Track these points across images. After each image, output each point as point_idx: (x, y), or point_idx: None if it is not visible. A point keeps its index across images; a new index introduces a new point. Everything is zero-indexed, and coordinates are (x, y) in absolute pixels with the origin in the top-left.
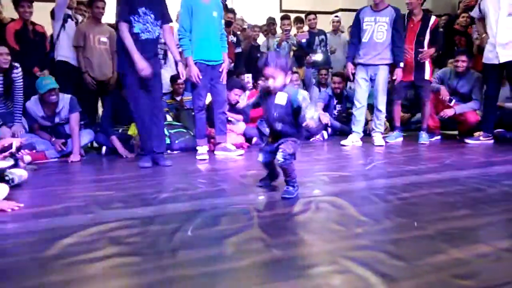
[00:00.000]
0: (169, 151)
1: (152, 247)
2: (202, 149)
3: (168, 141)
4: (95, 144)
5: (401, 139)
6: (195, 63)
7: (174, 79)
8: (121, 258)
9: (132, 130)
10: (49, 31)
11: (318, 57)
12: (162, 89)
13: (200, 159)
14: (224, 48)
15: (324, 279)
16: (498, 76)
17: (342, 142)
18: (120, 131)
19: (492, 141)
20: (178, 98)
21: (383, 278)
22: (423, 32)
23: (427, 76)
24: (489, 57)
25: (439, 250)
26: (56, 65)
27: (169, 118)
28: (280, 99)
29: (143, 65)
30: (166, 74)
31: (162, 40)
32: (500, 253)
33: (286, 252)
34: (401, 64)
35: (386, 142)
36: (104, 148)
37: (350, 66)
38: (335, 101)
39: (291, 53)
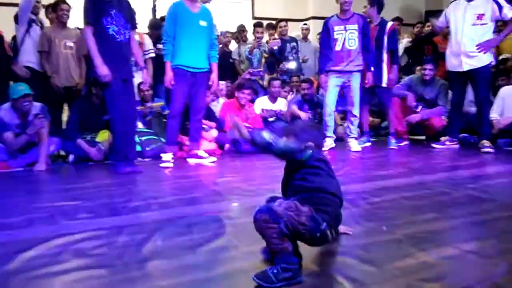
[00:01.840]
0: (139, 159)
1: (120, 259)
2: (167, 156)
3: (139, 148)
4: (62, 152)
5: (369, 143)
6: (175, 68)
7: (139, 86)
8: (87, 271)
9: (101, 137)
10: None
11: (291, 65)
12: (134, 95)
13: (164, 167)
14: (214, 58)
15: (298, 285)
16: (462, 82)
17: None
18: (88, 138)
19: (457, 145)
20: (149, 104)
21: (353, 284)
22: (381, 37)
23: (384, 82)
24: (453, 64)
25: (408, 254)
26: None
27: (140, 125)
28: None
29: (105, 71)
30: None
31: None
32: (466, 255)
33: (258, 259)
34: (372, 69)
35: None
36: (71, 156)
37: (323, 79)
38: (307, 107)
39: (263, 60)
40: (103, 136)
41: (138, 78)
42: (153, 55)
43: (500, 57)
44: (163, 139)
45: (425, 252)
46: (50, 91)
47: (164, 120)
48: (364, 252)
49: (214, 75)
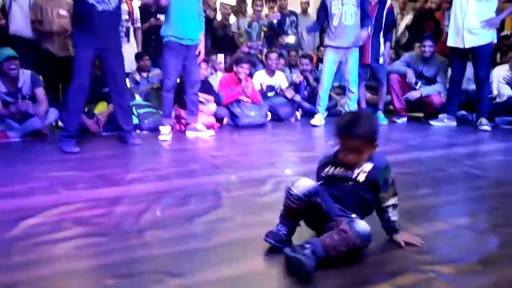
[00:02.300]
0: (138, 131)
1: (118, 228)
2: (165, 129)
3: (136, 121)
4: (60, 124)
5: None
6: (168, 41)
7: (140, 55)
8: (86, 238)
9: (99, 109)
10: None
11: (290, 39)
12: (123, 66)
13: (162, 140)
14: (201, 29)
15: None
16: (463, 59)
17: (312, 121)
18: (86, 110)
19: (455, 123)
20: (145, 75)
21: (348, 255)
22: (380, 15)
23: (381, 60)
24: (455, 40)
25: (402, 228)
26: (12, 40)
27: (137, 97)
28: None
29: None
30: (129, 52)
31: (125, 17)
32: (458, 230)
33: (254, 231)
34: (368, 29)
35: None
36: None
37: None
38: (305, 83)
39: (262, 33)
40: (102, 108)
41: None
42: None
43: (502, 34)
44: (161, 112)
45: (419, 226)
46: (44, 60)
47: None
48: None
49: (202, 46)
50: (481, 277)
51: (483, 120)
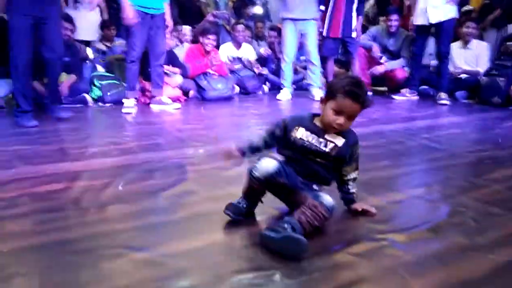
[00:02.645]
0: (100, 104)
1: (78, 203)
2: (129, 102)
3: (99, 92)
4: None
5: None
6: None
7: (105, 23)
8: (45, 214)
9: (59, 79)
10: None
11: (257, 10)
12: (59, 35)
13: (125, 112)
14: None
15: (254, 228)
16: (425, 35)
17: (278, 96)
18: (45, 81)
19: (417, 97)
20: (108, 44)
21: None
22: None
23: (353, 34)
24: (420, 19)
25: (361, 198)
26: None
27: (99, 68)
28: (337, 141)
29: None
30: (92, 20)
31: None
32: (412, 200)
33: (218, 204)
34: (321, 7)
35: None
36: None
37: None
38: (273, 55)
39: (230, 3)
40: (61, 78)
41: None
42: None
43: (464, 9)
44: (124, 84)
45: (376, 196)
46: None
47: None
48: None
49: (168, 16)
50: (431, 244)
51: (442, 95)
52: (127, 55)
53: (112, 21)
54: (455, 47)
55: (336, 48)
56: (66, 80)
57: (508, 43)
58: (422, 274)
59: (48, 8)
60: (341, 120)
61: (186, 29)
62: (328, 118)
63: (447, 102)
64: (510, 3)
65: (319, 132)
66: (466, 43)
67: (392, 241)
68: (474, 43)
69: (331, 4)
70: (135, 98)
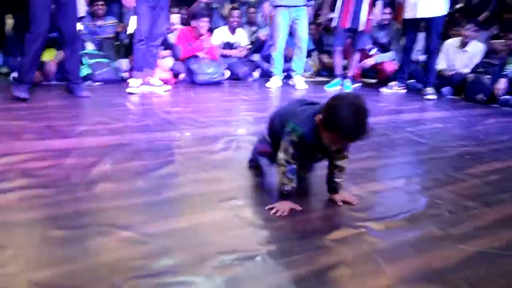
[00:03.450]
0: (89, 82)
1: (66, 180)
2: (135, 82)
3: (88, 70)
4: (4, 70)
5: (339, 87)
6: None
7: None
8: (33, 190)
9: (47, 55)
10: None
11: None
12: (76, 11)
13: (129, 92)
14: None
15: (238, 211)
16: (416, 29)
17: (267, 84)
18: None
19: (405, 90)
20: (99, 22)
21: (294, 212)
22: None
23: (361, 26)
24: (411, 12)
25: (343, 188)
26: None
27: (89, 46)
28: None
29: None
30: None
31: None
32: (392, 191)
33: (204, 186)
34: (312, 2)
35: (324, 89)
36: (14, 73)
37: (267, 8)
38: (269, 42)
39: None
40: (50, 55)
41: None
42: None
43: (457, 6)
44: (114, 64)
45: (358, 186)
46: None
47: (116, 42)
48: (301, 185)
49: None
50: (406, 232)
51: (429, 90)
52: (134, 35)
53: None
54: (453, 46)
55: (343, 39)
56: (54, 56)
57: (494, 41)
58: (396, 261)
59: None
60: (338, 145)
61: (174, 17)
62: (325, 141)
63: (434, 97)
64: (496, 5)
65: (319, 148)
66: (464, 44)
67: (370, 229)
68: (472, 44)
69: None
70: (142, 79)
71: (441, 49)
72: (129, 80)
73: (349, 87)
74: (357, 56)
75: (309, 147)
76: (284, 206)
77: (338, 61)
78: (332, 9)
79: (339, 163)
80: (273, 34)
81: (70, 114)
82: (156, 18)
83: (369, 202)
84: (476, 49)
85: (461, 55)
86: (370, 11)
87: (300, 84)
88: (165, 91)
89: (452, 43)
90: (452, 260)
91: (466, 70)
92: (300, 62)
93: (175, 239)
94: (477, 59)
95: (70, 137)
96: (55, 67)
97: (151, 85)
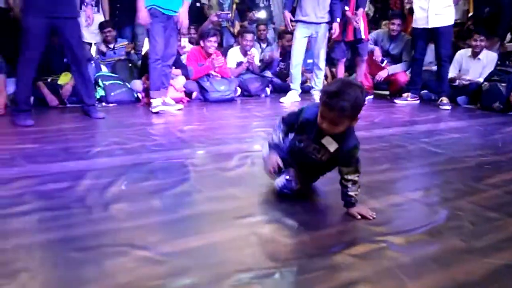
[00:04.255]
0: (104, 104)
1: (82, 201)
2: (156, 101)
3: (103, 93)
4: None
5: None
6: (151, 8)
7: (102, 26)
8: (49, 212)
9: (63, 79)
10: None
11: (261, 14)
12: (80, 35)
13: (155, 112)
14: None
15: (255, 228)
16: (426, 40)
17: (281, 99)
18: (49, 80)
19: (418, 101)
20: (111, 46)
21: (307, 226)
22: None
23: (362, 35)
24: (420, 21)
25: (360, 201)
26: None
27: (104, 68)
28: (330, 145)
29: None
30: (99, 21)
31: None
32: (411, 203)
33: (220, 204)
34: (338, 20)
35: None
36: (31, 98)
37: (288, 15)
38: (279, 58)
39: (234, 6)
40: (65, 79)
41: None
42: None
43: (470, 14)
44: (128, 85)
45: (376, 199)
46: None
47: (130, 64)
48: (321, 198)
49: (183, 13)
50: (427, 246)
51: (444, 99)
52: (150, 55)
53: (112, 22)
54: (465, 56)
55: (347, 51)
56: (69, 80)
57: (507, 43)
58: (419, 276)
59: (65, 9)
60: (324, 124)
61: (184, 40)
62: (318, 120)
63: (449, 107)
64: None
65: (318, 135)
66: (475, 54)
67: (390, 243)
68: (484, 53)
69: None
70: (163, 97)
71: (452, 58)
72: (151, 101)
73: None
74: (363, 65)
75: (306, 126)
76: (365, 210)
77: (341, 72)
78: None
79: (350, 177)
80: (292, 49)
81: (85, 136)
82: (168, 39)
83: (388, 215)
84: (489, 57)
85: (474, 65)
86: (364, 21)
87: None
88: (178, 110)
89: (464, 53)
90: (477, 274)
91: (480, 80)
92: (318, 79)
93: (192, 258)
94: (489, 68)
95: (85, 158)
96: (70, 90)
97: (165, 105)
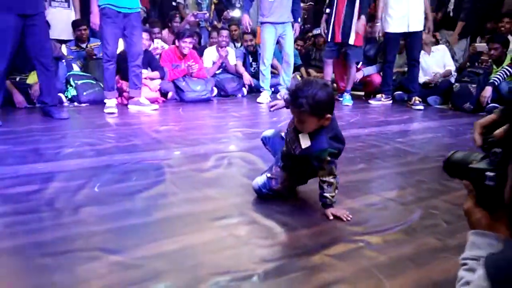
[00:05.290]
0: (76, 103)
1: (51, 205)
2: (111, 102)
3: (75, 92)
4: None
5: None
6: (104, 8)
7: (76, 24)
8: (17, 216)
9: (32, 79)
10: None
11: (235, 13)
12: (47, 33)
13: (108, 113)
14: None
15: (232, 230)
16: (398, 43)
17: (258, 99)
18: (17, 79)
19: (391, 101)
20: (84, 45)
21: (285, 227)
22: None
23: (351, 40)
24: (399, 26)
25: (337, 201)
26: None
27: (75, 67)
28: (303, 141)
29: None
30: (69, 18)
31: None
32: (386, 202)
33: (196, 206)
34: (299, 20)
35: None
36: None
37: (246, 18)
38: (251, 59)
39: (212, 6)
40: (35, 78)
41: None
42: None
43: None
44: (101, 84)
45: (352, 199)
46: None
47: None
48: (293, 199)
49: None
50: (404, 245)
51: (417, 100)
52: (102, 56)
53: (85, 21)
54: (423, 56)
55: (336, 52)
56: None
57: (475, 44)
58: (396, 275)
59: (33, 6)
60: (295, 122)
61: (158, 42)
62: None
63: (422, 107)
64: (469, 15)
65: (297, 131)
66: (428, 51)
67: (367, 243)
68: (435, 48)
69: (334, 8)
70: (116, 98)
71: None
72: (105, 101)
73: (350, 100)
74: (354, 69)
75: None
76: (340, 211)
77: (329, 72)
78: (319, 24)
79: (325, 178)
80: (261, 50)
81: (56, 137)
82: (130, 37)
83: (365, 215)
84: (442, 49)
85: (433, 59)
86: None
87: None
88: (153, 110)
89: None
90: (452, 272)
91: (448, 68)
92: (286, 76)
93: (167, 262)
94: (449, 58)
95: (55, 160)
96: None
97: (139, 105)
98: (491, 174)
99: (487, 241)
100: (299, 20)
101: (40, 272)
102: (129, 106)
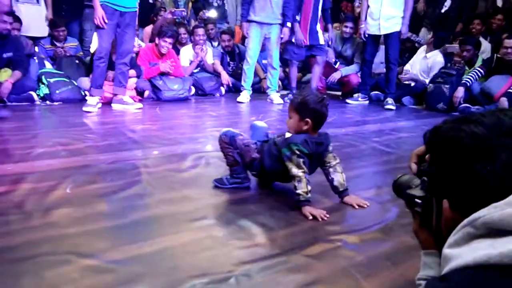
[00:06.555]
0: (48, 102)
1: (21, 207)
2: (92, 100)
3: (47, 90)
4: None
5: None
6: (102, 4)
7: (55, 25)
8: None
9: (3, 76)
10: None
11: (212, 13)
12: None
13: (86, 111)
14: None
15: (210, 231)
16: (376, 44)
17: (238, 99)
18: None
19: (368, 101)
20: (59, 44)
21: (263, 228)
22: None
23: (321, 40)
24: (371, 28)
25: (314, 201)
26: None
27: (48, 65)
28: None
29: None
30: (39, 15)
31: None
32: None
33: (173, 207)
34: (288, 24)
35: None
36: None
37: (246, 26)
38: (228, 58)
39: (190, 4)
40: (5, 75)
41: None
42: None
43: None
44: (75, 82)
45: (329, 198)
46: None
47: (77, 61)
48: (271, 199)
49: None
50: (381, 244)
51: (389, 100)
52: (96, 53)
53: (62, 21)
54: (420, 52)
55: (301, 54)
56: (10, 76)
57: (447, 45)
58: (373, 274)
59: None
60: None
61: (137, 40)
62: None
63: (393, 108)
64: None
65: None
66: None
67: (345, 242)
68: (433, 53)
69: (300, 13)
70: (100, 98)
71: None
72: (87, 98)
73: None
74: (318, 68)
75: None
76: (317, 211)
77: (294, 74)
78: None
79: (294, 173)
80: (246, 48)
81: (27, 136)
82: (122, 36)
83: (342, 214)
84: (435, 59)
85: (422, 63)
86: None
87: (277, 99)
88: (137, 108)
89: (421, 50)
90: None
91: (424, 79)
92: (273, 79)
93: (143, 265)
94: (435, 71)
95: (25, 160)
96: (10, 87)
97: (124, 103)
98: (419, 201)
99: (437, 260)
100: (288, 24)
101: (5, 278)
102: (112, 104)
